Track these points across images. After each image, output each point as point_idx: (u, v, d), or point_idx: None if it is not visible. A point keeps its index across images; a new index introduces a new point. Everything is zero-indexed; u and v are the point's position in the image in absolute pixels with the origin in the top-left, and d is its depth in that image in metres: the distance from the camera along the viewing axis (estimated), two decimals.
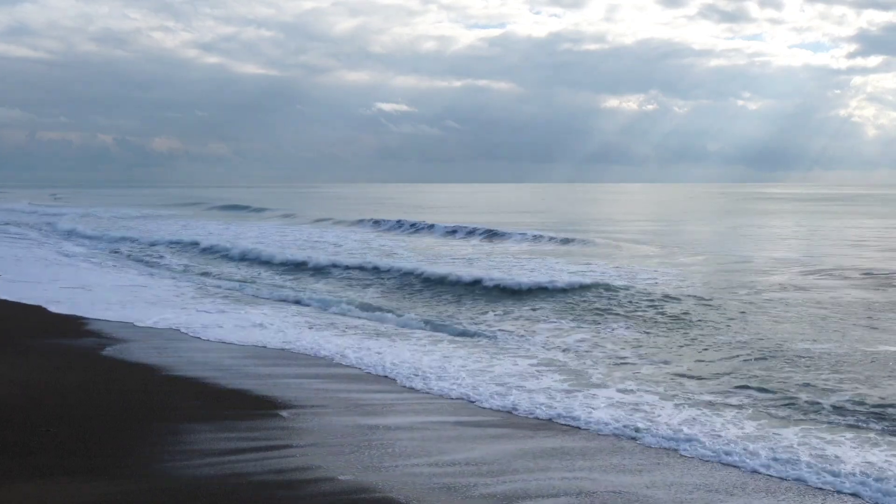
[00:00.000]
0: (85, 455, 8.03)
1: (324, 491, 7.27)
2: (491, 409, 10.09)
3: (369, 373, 11.93)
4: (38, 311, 16.86)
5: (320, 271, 24.32)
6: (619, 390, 10.76)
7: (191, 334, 14.68)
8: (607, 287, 19.23)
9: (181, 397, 10.39)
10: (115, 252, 31.37)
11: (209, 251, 30.60)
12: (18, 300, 18.15)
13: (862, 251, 28.82)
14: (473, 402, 10.37)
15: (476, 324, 16.04)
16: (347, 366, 12.32)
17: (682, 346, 13.43)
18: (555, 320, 16.20)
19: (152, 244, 33.77)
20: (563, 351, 13.36)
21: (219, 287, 21.42)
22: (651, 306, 17.08)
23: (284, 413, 9.73)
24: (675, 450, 8.52)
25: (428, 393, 10.84)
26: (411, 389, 11.01)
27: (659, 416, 9.61)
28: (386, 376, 11.69)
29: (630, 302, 17.61)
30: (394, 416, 9.75)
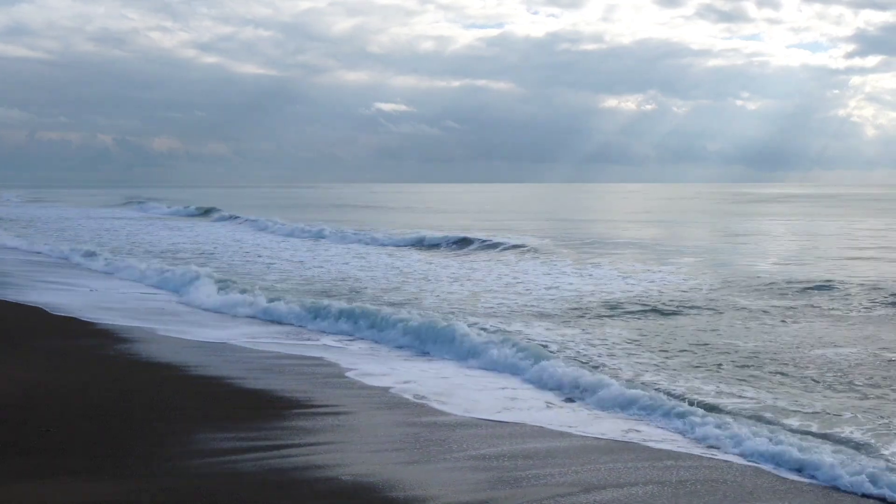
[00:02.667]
0: (85, 455, 8.00)
1: (330, 489, 7.25)
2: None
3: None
4: (37, 312, 16.83)
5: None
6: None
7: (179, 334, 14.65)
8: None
9: (182, 397, 10.37)
10: None
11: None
12: None
13: (856, 257, 28.82)
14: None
15: None
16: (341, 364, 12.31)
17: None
18: None
19: None
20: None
21: None
22: None
23: (287, 413, 9.71)
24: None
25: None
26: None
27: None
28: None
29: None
30: (429, 416, 9.77)
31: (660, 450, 8.50)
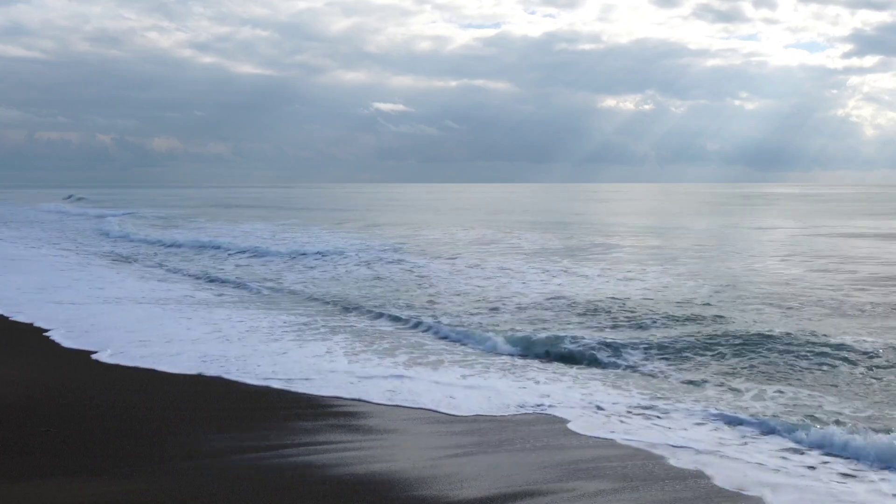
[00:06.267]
0: (85, 455, 8.01)
1: (332, 489, 7.26)
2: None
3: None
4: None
5: None
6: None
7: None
8: None
9: (181, 397, 10.37)
10: None
11: None
12: None
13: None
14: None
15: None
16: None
17: None
18: None
19: None
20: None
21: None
22: None
23: (284, 412, 9.71)
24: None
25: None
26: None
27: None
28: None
29: None
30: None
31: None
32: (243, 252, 30.11)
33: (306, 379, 11.26)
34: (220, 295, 19.70)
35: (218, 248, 31.87)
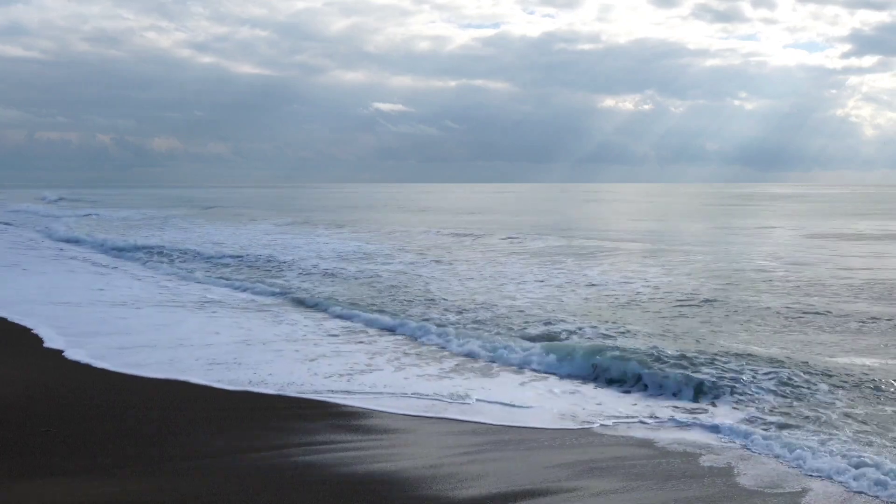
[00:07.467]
0: (85, 455, 8.00)
1: (331, 490, 7.25)
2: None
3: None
4: None
5: None
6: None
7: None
8: None
9: (181, 397, 10.35)
10: None
11: None
12: None
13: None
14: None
15: None
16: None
17: None
18: None
19: None
20: None
21: None
22: None
23: (285, 412, 9.69)
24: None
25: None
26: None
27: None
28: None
29: None
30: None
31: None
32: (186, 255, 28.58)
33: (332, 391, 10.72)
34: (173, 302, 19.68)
35: (160, 251, 29.80)
